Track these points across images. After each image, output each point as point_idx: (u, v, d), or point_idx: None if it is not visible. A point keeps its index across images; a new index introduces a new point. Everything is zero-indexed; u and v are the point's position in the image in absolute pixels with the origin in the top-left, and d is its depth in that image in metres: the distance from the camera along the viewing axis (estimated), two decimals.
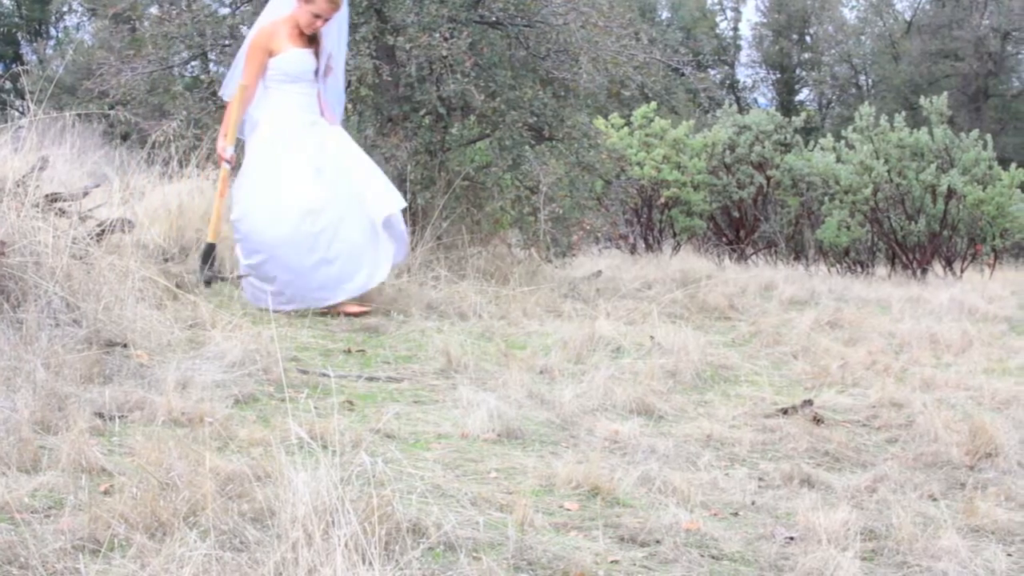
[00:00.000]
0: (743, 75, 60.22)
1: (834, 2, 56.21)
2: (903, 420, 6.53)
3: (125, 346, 6.29)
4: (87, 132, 13.29)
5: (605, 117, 18.72)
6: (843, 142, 18.62)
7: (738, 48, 59.85)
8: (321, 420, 5.10)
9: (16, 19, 51.65)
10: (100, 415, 5.14)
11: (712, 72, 56.01)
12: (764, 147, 19.03)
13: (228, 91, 8.98)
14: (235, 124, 8.59)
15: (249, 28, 11.60)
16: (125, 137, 15.61)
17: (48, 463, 4.37)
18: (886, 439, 6.22)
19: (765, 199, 19.30)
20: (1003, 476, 5.45)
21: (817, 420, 6.30)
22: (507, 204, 11.42)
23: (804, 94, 59.16)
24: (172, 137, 10.56)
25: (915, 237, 17.62)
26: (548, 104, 11.11)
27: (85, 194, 8.27)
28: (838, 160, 18.42)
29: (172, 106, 11.25)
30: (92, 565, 3.44)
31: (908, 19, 55.76)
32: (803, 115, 20.48)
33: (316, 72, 8.78)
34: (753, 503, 4.86)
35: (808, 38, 57.70)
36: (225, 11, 11.81)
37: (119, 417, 5.19)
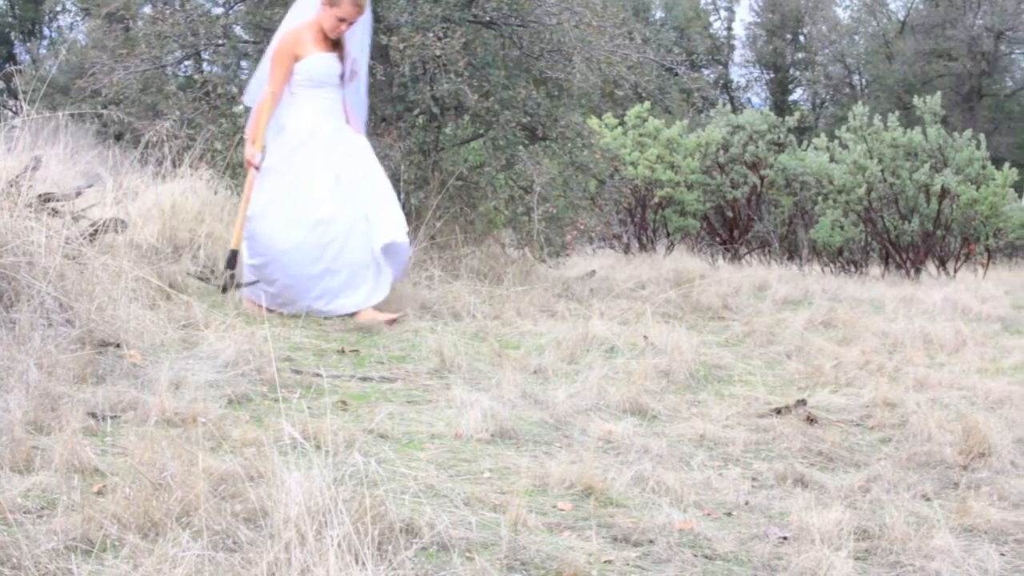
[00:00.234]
0: (737, 75, 60.26)
1: (827, 2, 56.25)
2: (896, 420, 6.54)
3: (118, 346, 6.28)
4: (80, 132, 13.30)
5: (599, 117, 18.72)
6: (836, 142, 18.63)
7: (732, 48, 59.89)
8: (314, 420, 5.09)
9: (9, 19, 51.61)
10: (93, 415, 5.14)
11: (706, 72, 56.07)
12: (758, 147, 19.03)
13: (252, 97, 8.94)
14: (263, 130, 8.55)
15: (242, 28, 11.60)
16: (119, 137, 15.61)
17: (41, 463, 4.36)
18: (879, 439, 6.22)
19: (759, 199, 19.31)
20: (996, 476, 5.46)
21: (811, 420, 6.30)
22: (501, 204, 11.42)
23: (798, 94, 59.21)
24: (165, 137, 10.54)
25: (909, 237, 17.63)
26: (542, 104, 11.10)
27: (78, 194, 8.26)
28: (832, 160, 18.43)
29: (165, 106, 11.24)
30: (84, 566, 3.43)
31: (902, 19, 55.81)
32: (797, 115, 20.48)
33: (341, 77, 8.76)
34: (746, 503, 4.86)
35: (802, 38, 57.74)
36: (219, 11, 11.80)
37: (112, 417, 5.18)
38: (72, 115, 10.39)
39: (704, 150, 19.01)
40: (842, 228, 17.84)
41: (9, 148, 8.35)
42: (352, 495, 3.72)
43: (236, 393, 5.83)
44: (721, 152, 19.16)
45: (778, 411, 6.45)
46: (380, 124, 10.78)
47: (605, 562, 3.97)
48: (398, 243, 8.61)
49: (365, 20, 8.83)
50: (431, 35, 10.14)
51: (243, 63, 13.38)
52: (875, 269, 18.29)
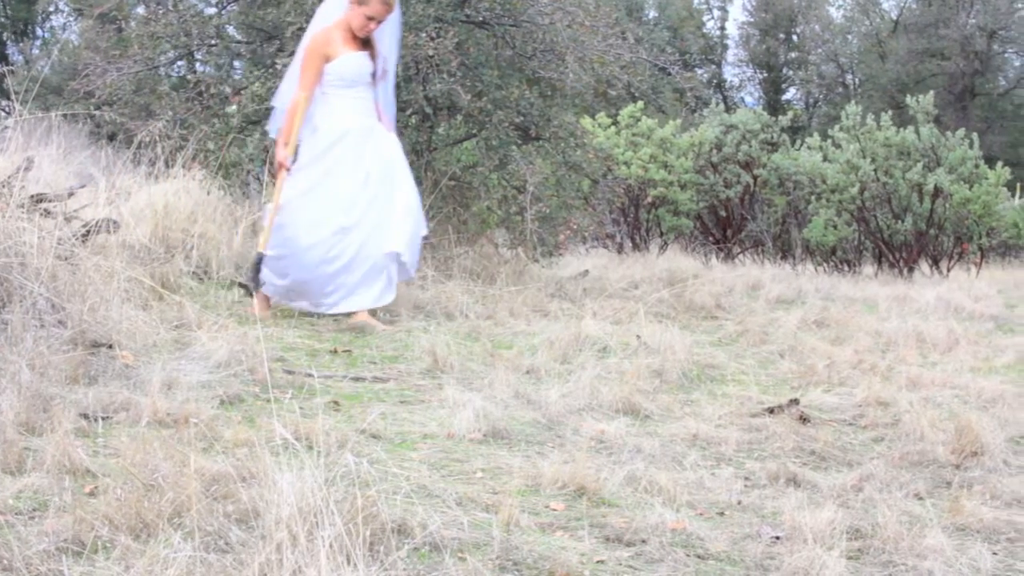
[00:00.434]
0: (730, 74, 60.34)
1: (820, 1, 56.31)
2: (889, 419, 6.54)
3: (110, 347, 6.28)
4: (73, 132, 13.28)
5: (592, 116, 18.73)
6: (830, 141, 18.65)
7: (725, 47, 59.93)
8: (307, 420, 5.09)
9: (2, 19, 51.56)
10: (85, 416, 5.13)
11: (699, 71, 56.10)
12: (751, 146, 19.06)
13: (282, 100, 8.91)
14: (296, 133, 8.52)
15: (235, 28, 11.60)
16: (112, 137, 15.59)
17: (33, 464, 4.36)
18: (872, 438, 6.22)
19: (752, 198, 19.33)
20: (989, 474, 5.46)
21: (803, 419, 6.30)
22: (494, 204, 11.43)
23: (791, 93, 59.27)
24: (158, 137, 10.53)
25: (902, 236, 17.65)
26: (535, 104, 11.11)
27: (70, 195, 8.24)
28: (825, 159, 18.45)
29: (158, 106, 11.23)
30: (76, 567, 3.43)
31: (895, 18, 55.86)
32: (790, 114, 20.51)
33: (373, 75, 8.73)
34: (739, 502, 4.86)
35: (795, 37, 57.79)
36: (211, 11, 11.80)
37: (104, 418, 5.18)
38: (65, 116, 10.37)
39: (697, 149, 19.04)
40: (835, 227, 17.86)
41: (1, 149, 8.34)
42: (344, 496, 3.71)
43: (228, 394, 5.83)
44: (714, 151, 19.18)
45: (771, 410, 6.45)
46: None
47: (598, 562, 3.97)
48: (402, 258, 8.61)
49: (394, 18, 8.79)
50: (424, 35, 10.15)
51: (236, 63, 13.37)
52: (868, 268, 18.31)
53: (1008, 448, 5.86)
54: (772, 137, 19.36)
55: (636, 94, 13.45)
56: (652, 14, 56.73)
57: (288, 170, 8.46)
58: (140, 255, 8.86)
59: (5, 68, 8.36)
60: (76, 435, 4.75)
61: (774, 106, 50.73)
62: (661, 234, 19.04)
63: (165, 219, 9.64)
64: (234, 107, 10.98)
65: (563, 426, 5.92)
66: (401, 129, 10.71)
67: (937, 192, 17.36)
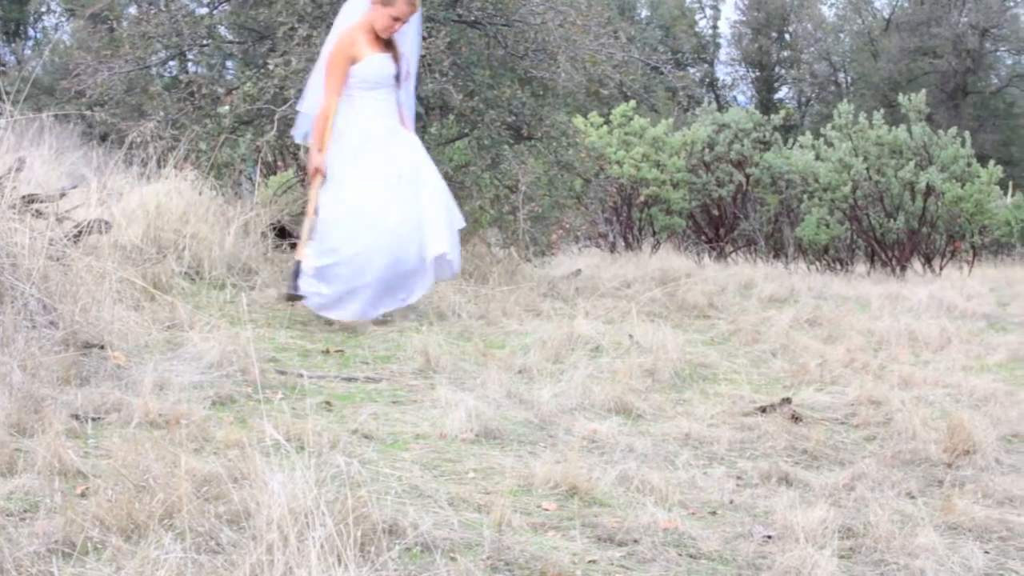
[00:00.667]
0: (722, 73, 60.39)
1: (813, 0, 56.36)
2: (881, 418, 6.55)
3: (102, 347, 6.27)
4: (65, 133, 13.27)
5: (584, 116, 18.73)
6: (822, 140, 18.66)
7: (717, 46, 59.99)
8: (299, 421, 5.09)
9: None
10: (76, 417, 5.12)
11: (692, 70, 56.14)
12: (743, 145, 19.06)
13: (308, 104, 8.87)
14: (327, 137, 8.49)
15: (226, 28, 11.57)
16: (104, 138, 15.58)
17: (24, 466, 4.35)
18: (864, 437, 6.23)
19: (744, 197, 19.34)
20: (981, 473, 5.46)
21: (795, 418, 6.31)
22: (486, 203, 11.42)
23: (783, 92, 59.33)
24: (150, 138, 10.52)
25: (894, 234, 17.66)
26: (527, 103, 11.10)
27: (62, 195, 8.24)
28: (817, 158, 18.46)
29: (150, 106, 11.22)
30: (67, 568, 3.43)
31: (887, 16, 55.94)
32: (782, 113, 20.50)
33: (396, 77, 8.71)
34: (731, 502, 4.86)
35: (787, 36, 57.86)
36: (203, 11, 11.78)
37: (95, 419, 5.17)
38: (57, 116, 10.36)
39: (690, 148, 19.04)
40: (827, 226, 17.87)
41: None
42: (335, 496, 3.71)
43: (220, 394, 5.82)
44: (707, 150, 19.19)
45: (763, 409, 6.45)
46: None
47: (590, 562, 3.97)
48: (447, 257, 8.58)
49: (416, 18, 8.76)
50: None
51: (228, 63, 13.36)
52: (861, 267, 18.33)
53: (1000, 447, 5.87)
54: (764, 136, 19.36)
55: (628, 93, 13.49)
56: (644, 13, 56.79)
57: (324, 176, 8.43)
58: (132, 256, 8.85)
59: None
60: (67, 436, 4.75)
61: (766, 105, 50.78)
62: (654, 233, 19.04)
63: (157, 219, 9.63)
64: (226, 107, 10.96)
65: (555, 426, 5.92)
66: None
67: (929, 190, 17.37)
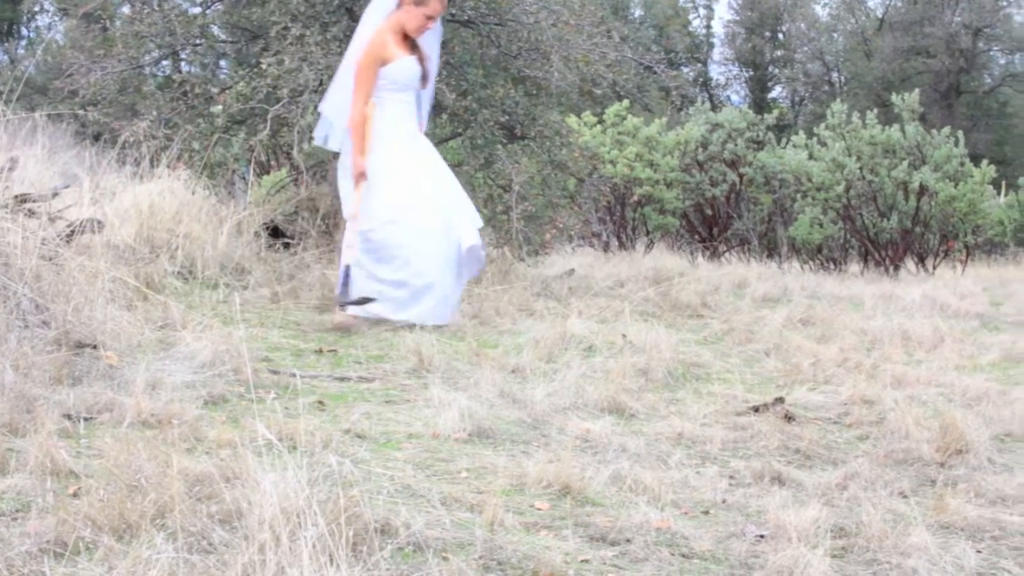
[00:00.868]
0: (716, 73, 60.45)
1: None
2: (874, 417, 6.55)
3: (95, 347, 6.26)
4: (58, 132, 13.25)
5: (577, 115, 18.73)
6: (815, 139, 18.67)
7: (711, 46, 60.05)
8: (291, 421, 5.08)
9: None
10: (69, 417, 5.12)
11: (685, 70, 56.16)
12: (736, 145, 19.07)
13: (329, 107, 8.82)
14: (367, 139, 8.46)
15: (219, 28, 11.56)
16: (97, 137, 15.57)
17: (16, 466, 4.34)
18: (857, 436, 6.23)
19: (738, 197, 19.35)
20: (973, 472, 5.46)
21: (788, 418, 6.31)
22: (479, 203, 11.41)
23: (777, 91, 59.37)
24: (142, 137, 10.51)
25: (887, 234, 17.68)
26: (520, 103, 11.11)
27: (55, 195, 8.23)
28: (810, 157, 18.48)
29: (143, 106, 11.21)
30: (58, 568, 3.42)
31: (880, 16, 55.97)
32: (776, 112, 20.52)
33: (422, 79, 8.69)
34: (724, 501, 4.86)
35: (781, 35, 57.90)
36: (196, 10, 11.77)
37: (88, 419, 5.16)
38: (50, 116, 10.35)
39: (683, 148, 19.05)
40: (821, 226, 17.89)
41: None
42: (328, 496, 3.71)
43: (213, 394, 5.82)
44: (700, 150, 19.20)
45: (756, 409, 6.45)
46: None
47: (582, 561, 3.97)
48: (477, 246, 8.59)
49: (438, 19, 8.75)
50: None
51: (222, 63, 13.35)
52: (854, 266, 18.35)
53: (992, 446, 5.87)
54: (758, 135, 19.37)
55: (621, 93, 13.45)
56: (638, 12, 56.81)
57: (366, 178, 8.41)
58: (125, 255, 8.84)
59: None
60: (60, 436, 4.74)
61: (760, 104, 50.77)
62: (647, 233, 19.05)
63: (150, 219, 9.62)
64: (219, 107, 10.96)
65: (548, 425, 5.92)
66: None
67: (922, 190, 17.39)
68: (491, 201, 11.24)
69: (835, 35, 57.25)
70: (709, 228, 19.62)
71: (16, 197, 7.46)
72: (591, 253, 17.79)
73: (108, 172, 10.39)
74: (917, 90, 18.87)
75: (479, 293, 9.55)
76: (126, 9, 13.80)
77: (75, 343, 6.20)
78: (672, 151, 18.87)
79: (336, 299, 8.48)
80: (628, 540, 4.19)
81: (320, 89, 10.22)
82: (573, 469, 4.91)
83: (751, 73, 58.32)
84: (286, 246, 10.72)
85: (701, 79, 58.37)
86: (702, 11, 60.13)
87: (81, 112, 11.16)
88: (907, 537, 4.26)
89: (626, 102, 18.65)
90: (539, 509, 4.53)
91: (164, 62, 12.38)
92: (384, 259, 8.40)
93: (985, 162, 18.31)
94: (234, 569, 3.32)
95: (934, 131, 18.20)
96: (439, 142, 11.71)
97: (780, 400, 6.61)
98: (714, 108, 21.00)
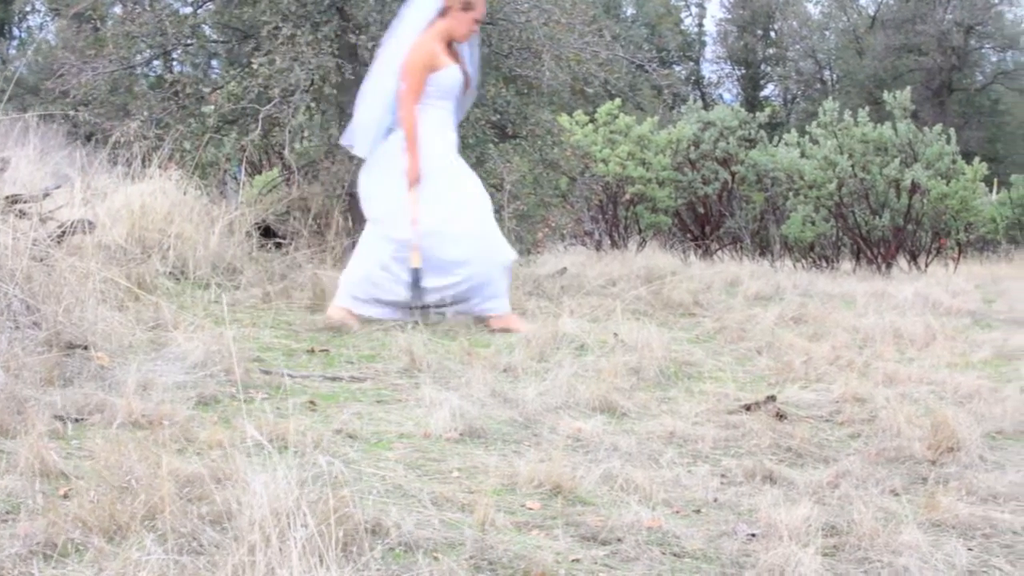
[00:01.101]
0: (708, 71, 60.46)
1: None
2: (866, 415, 6.55)
3: (86, 348, 6.26)
4: (50, 133, 13.23)
5: (569, 114, 18.73)
6: (807, 137, 18.68)
7: (703, 44, 60.07)
8: (282, 421, 5.08)
9: None
10: (60, 418, 5.11)
11: (677, 68, 56.18)
12: (729, 143, 19.08)
13: (366, 115, 8.77)
14: (418, 145, 8.46)
15: (211, 27, 11.55)
16: (89, 138, 15.58)
17: (6, 467, 4.34)
18: (849, 434, 6.23)
19: (730, 195, 19.36)
20: (965, 470, 5.47)
21: (780, 416, 6.31)
22: None
23: (769, 89, 59.41)
24: (133, 137, 10.50)
25: (879, 232, 17.69)
26: (511, 102, 11.11)
27: (46, 195, 8.22)
28: (802, 155, 18.48)
29: (134, 106, 11.20)
30: (48, 570, 3.42)
31: (872, 14, 56.03)
32: (767, 110, 20.51)
33: (464, 86, 8.68)
34: (715, 500, 4.86)
35: (773, 33, 57.93)
36: (187, 10, 11.77)
37: (78, 420, 5.16)
38: (42, 116, 10.34)
39: (675, 147, 19.06)
40: (813, 224, 17.90)
41: None
42: (318, 497, 3.70)
43: (204, 394, 5.81)
44: (692, 148, 19.20)
45: (747, 407, 6.45)
46: (350, 123, 10.78)
47: (573, 561, 3.97)
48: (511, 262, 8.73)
49: None
50: None
51: (213, 62, 13.34)
52: (846, 264, 18.36)
53: (984, 444, 5.87)
54: (750, 133, 19.38)
55: (613, 91, 13.46)
56: (630, 11, 56.82)
57: (419, 182, 8.41)
58: (116, 256, 8.84)
59: None
60: (50, 437, 4.74)
61: (752, 102, 50.79)
62: (639, 231, 19.05)
63: (141, 219, 9.62)
64: (211, 107, 10.95)
65: (540, 424, 5.91)
66: None
67: (914, 188, 17.40)
68: None
69: (827, 33, 57.29)
70: (701, 226, 19.63)
71: (7, 198, 7.46)
72: (583, 252, 17.78)
73: (100, 173, 10.38)
74: (909, 88, 18.88)
75: None
76: (118, 9, 13.80)
77: (66, 344, 6.19)
78: (664, 149, 18.88)
79: (410, 301, 8.48)
80: (619, 539, 4.19)
81: (311, 89, 10.22)
82: (564, 468, 4.90)
83: (743, 71, 58.36)
84: (278, 246, 10.72)
85: (693, 77, 58.41)
86: (694, 9, 60.19)
87: (72, 113, 11.15)
88: (898, 535, 4.26)
89: (618, 101, 18.66)
90: (530, 508, 4.53)
91: (155, 62, 12.37)
92: (434, 268, 8.43)
93: (977, 159, 18.33)
94: (224, 570, 3.31)
95: (926, 129, 18.22)
96: None
97: (772, 398, 6.61)
98: (706, 106, 21.04)
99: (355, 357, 7.30)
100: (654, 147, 18.79)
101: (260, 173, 13.20)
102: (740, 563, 4.08)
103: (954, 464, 5.59)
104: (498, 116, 11.02)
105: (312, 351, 7.42)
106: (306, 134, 12.49)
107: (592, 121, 18.92)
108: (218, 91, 11.01)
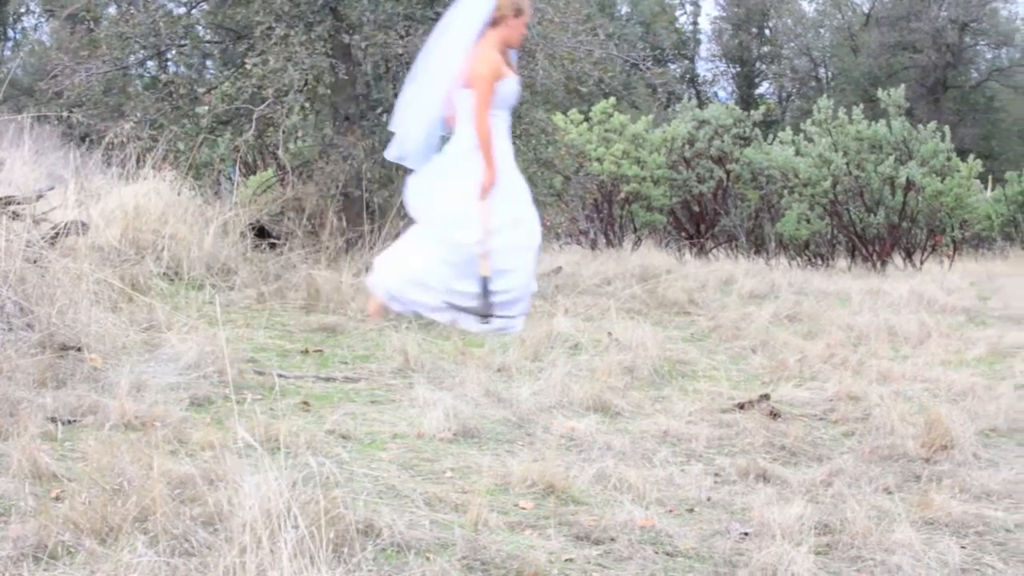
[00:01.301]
0: (703, 69, 60.39)
1: None
2: (860, 413, 6.55)
3: (79, 350, 6.25)
4: (45, 134, 13.22)
5: (563, 113, 18.71)
6: (802, 135, 18.66)
7: (698, 42, 60.02)
8: (275, 422, 5.07)
9: None
10: (53, 420, 5.10)
11: (672, 66, 56.13)
12: (723, 141, 19.05)
13: (406, 124, 8.73)
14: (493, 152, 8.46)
15: (204, 28, 11.54)
16: (84, 139, 15.57)
17: None
18: (842, 432, 6.24)
19: (725, 193, 19.33)
20: (958, 468, 5.47)
21: (774, 414, 6.31)
22: None
23: (764, 87, 59.37)
24: (126, 138, 10.49)
25: (874, 229, 17.68)
26: None
27: (39, 197, 8.21)
28: (797, 153, 18.46)
29: (128, 107, 11.19)
30: (38, 572, 3.41)
31: (867, 11, 55.99)
32: (762, 108, 20.49)
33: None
34: (708, 499, 4.86)
35: (767, 31, 57.90)
36: (181, 10, 11.75)
37: (71, 422, 5.15)
38: (36, 117, 10.33)
39: (670, 145, 19.03)
40: (808, 221, 17.89)
41: None
42: (311, 498, 3.70)
43: (197, 396, 5.81)
44: (687, 147, 19.17)
45: (741, 406, 6.45)
46: (343, 123, 10.76)
47: (566, 560, 3.97)
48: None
49: None
50: (393, 33, 10.12)
51: (208, 62, 13.32)
52: (842, 262, 18.35)
53: (978, 441, 5.88)
54: (744, 132, 19.36)
55: (608, 90, 13.46)
56: (624, 9, 56.79)
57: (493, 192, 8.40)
58: (110, 257, 8.82)
59: None
60: (43, 439, 4.73)
61: (747, 101, 50.75)
62: (634, 230, 19.04)
63: (135, 220, 9.60)
64: (205, 107, 10.94)
65: (533, 424, 5.92)
66: (371, 128, 10.69)
67: (909, 185, 17.39)
68: None
69: (822, 31, 57.26)
70: (696, 225, 19.61)
71: (1, 199, 7.44)
72: (578, 251, 17.76)
73: (94, 174, 10.37)
74: (903, 85, 18.89)
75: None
76: (112, 10, 13.80)
77: (59, 346, 6.19)
78: (659, 148, 18.86)
79: (478, 309, 8.45)
80: (612, 539, 4.19)
81: (305, 89, 10.21)
82: (558, 468, 4.91)
83: (738, 69, 58.30)
84: (272, 246, 10.70)
85: (688, 75, 58.35)
86: (689, 7, 60.10)
87: (67, 114, 11.14)
88: (891, 533, 4.27)
89: (612, 99, 18.64)
90: (523, 508, 4.53)
91: (149, 63, 12.35)
92: (497, 275, 8.42)
93: (972, 157, 18.34)
94: (215, 572, 3.31)
95: (921, 126, 18.22)
96: None
97: (766, 397, 6.61)
98: (701, 105, 21.03)
99: (349, 357, 7.29)
100: (649, 145, 18.77)
101: (254, 173, 13.19)
102: (733, 562, 4.08)
103: (947, 462, 5.59)
104: None
105: (306, 351, 7.41)
106: (300, 134, 12.47)
107: (587, 120, 18.89)
108: (212, 92, 11.00)
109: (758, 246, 19.10)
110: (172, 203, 10.02)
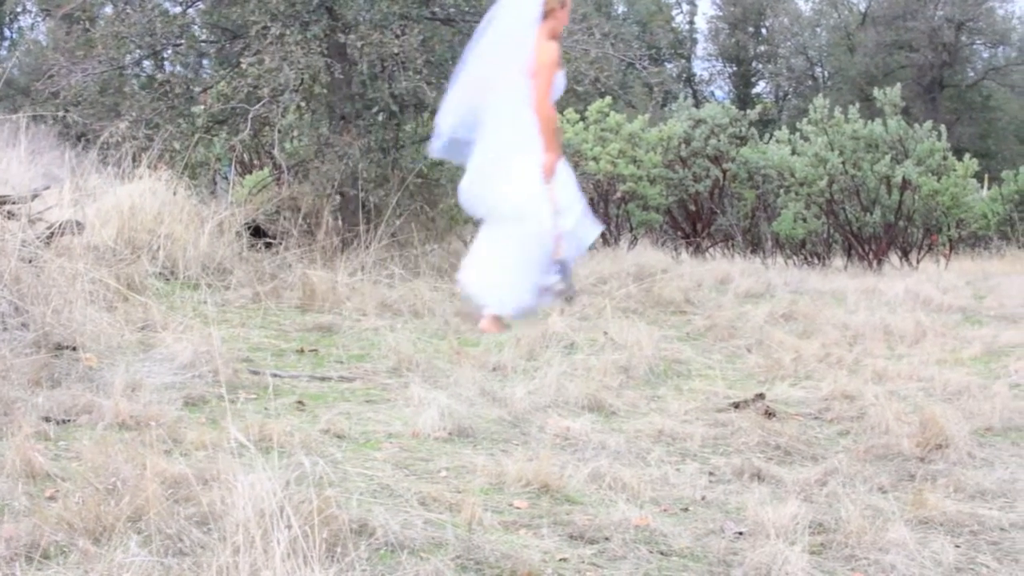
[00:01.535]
0: (699, 68, 60.38)
1: None
2: (855, 412, 6.55)
3: (74, 349, 6.24)
4: (41, 133, 13.21)
5: (560, 112, 18.69)
6: (798, 134, 18.66)
7: (694, 41, 60.02)
8: (270, 422, 5.07)
9: None
10: (47, 419, 5.10)
11: (668, 66, 56.13)
12: (720, 140, 19.05)
13: (452, 121, 8.70)
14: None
15: (200, 27, 11.53)
16: (80, 138, 15.56)
17: None
18: (837, 432, 6.24)
19: (721, 192, 19.33)
20: (953, 467, 5.47)
21: (769, 414, 6.31)
22: None
23: (761, 86, 59.37)
24: (123, 138, 10.48)
25: (871, 228, 17.68)
26: None
27: (35, 196, 8.20)
28: (793, 152, 18.46)
29: (124, 107, 11.18)
30: (32, 572, 3.41)
31: (863, 11, 55.98)
32: (759, 107, 20.48)
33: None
34: (703, 498, 4.87)
35: (764, 31, 57.90)
36: (177, 10, 11.75)
37: (66, 421, 5.15)
38: (32, 117, 10.32)
39: (666, 144, 19.02)
40: (804, 220, 17.89)
41: None
42: (303, 497, 3.70)
43: (192, 395, 5.81)
44: (683, 146, 19.17)
45: (736, 405, 6.46)
46: (339, 122, 10.76)
47: (560, 560, 3.97)
48: None
49: None
50: (389, 33, 10.12)
51: (204, 62, 13.31)
52: (838, 261, 18.35)
53: (973, 440, 5.88)
54: (741, 131, 19.35)
55: (604, 89, 13.44)
56: (621, 9, 56.79)
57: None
58: (105, 256, 8.81)
59: None
60: (37, 439, 4.73)
61: (744, 100, 50.77)
62: (630, 229, 19.03)
63: (131, 220, 9.59)
64: (200, 107, 10.94)
65: (528, 423, 5.92)
66: (367, 127, 10.68)
67: (905, 184, 17.39)
68: None
69: (818, 30, 57.25)
70: (692, 224, 19.61)
71: None
72: None
73: (90, 173, 10.36)
74: (899, 84, 18.88)
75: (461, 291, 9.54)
76: (109, 10, 13.78)
77: (54, 345, 6.19)
78: (655, 147, 18.85)
79: (562, 292, 8.46)
80: (607, 538, 4.20)
81: (301, 88, 10.21)
82: (552, 467, 4.91)
83: (734, 68, 58.28)
84: (268, 246, 10.69)
85: (684, 75, 58.35)
86: (685, 7, 60.08)
87: (63, 113, 11.13)
88: (886, 533, 4.27)
89: (608, 98, 18.63)
90: (518, 508, 4.53)
91: (145, 62, 12.34)
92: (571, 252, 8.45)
93: (968, 156, 18.33)
94: (208, 572, 3.31)
95: (917, 125, 18.22)
96: (421, 140, 11.70)
97: (761, 396, 6.61)
98: (697, 104, 21.01)
99: (344, 357, 7.29)
100: (645, 145, 18.76)
101: (250, 173, 13.18)
102: (727, 561, 4.09)
103: (942, 461, 5.59)
104: None
105: (302, 351, 7.41)
106: (296, 134, 12.46)
107: (583, 119, 18.89)
108: (208, 91, 11.00)
109: (754, 245, 19.10)
110: (168, 203, 10.01)
